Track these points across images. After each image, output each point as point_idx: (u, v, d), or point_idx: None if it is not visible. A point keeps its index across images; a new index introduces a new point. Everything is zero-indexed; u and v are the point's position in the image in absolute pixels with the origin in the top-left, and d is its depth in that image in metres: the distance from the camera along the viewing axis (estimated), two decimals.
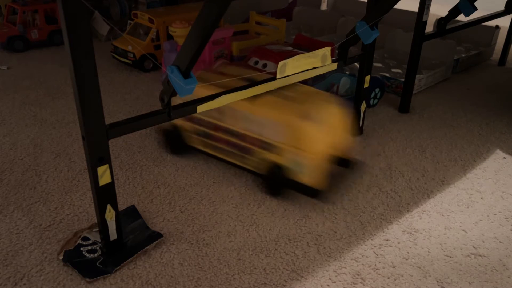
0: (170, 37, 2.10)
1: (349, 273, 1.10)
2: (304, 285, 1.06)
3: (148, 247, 1.12)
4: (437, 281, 1.08)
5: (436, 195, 1.40)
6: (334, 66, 1.46)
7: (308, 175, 1.25)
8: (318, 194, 1.29)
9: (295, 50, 1.97)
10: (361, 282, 1.07)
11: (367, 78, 1.63)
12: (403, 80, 1.97)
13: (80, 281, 1.03)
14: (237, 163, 1.41)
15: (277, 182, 1.33)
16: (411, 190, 1.42)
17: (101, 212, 1.02)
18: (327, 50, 1.33)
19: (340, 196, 1.37)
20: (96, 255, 1.09)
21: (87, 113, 0.91)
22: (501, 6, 2.32)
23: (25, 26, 2.51)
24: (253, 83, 1.27)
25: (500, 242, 1.22)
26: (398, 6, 1.57)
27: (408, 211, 1.32)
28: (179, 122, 1.45)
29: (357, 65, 2.21)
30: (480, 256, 1.17)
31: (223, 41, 2.08)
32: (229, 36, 2.09)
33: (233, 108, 1.31)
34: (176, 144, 1.53)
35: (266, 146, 1.30)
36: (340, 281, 1.07)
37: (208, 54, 2.03)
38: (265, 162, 1.32)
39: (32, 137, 1.64)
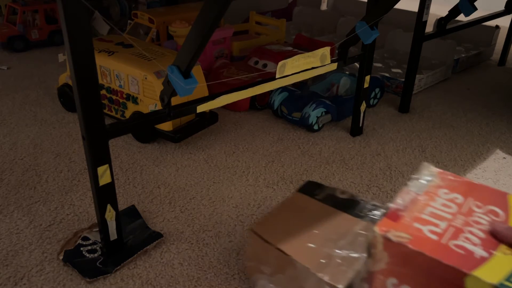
0: (170, 37, 2.10)
1: None
2: None
3: (148, 247, 1.12)
4: None
5: None
6: (334, 66, 1.46)
7: (166, 123, 1.42)
8: (176, 139, 1.55)
9: (295, 50, 1.97)
10: None
11: (367, 78, 1.63)
12: (403, 80, 1.97)
13: (80, 281, 1.03)
14: (111, 114, 1.69)
15: (142, 131, 1.59)
16: None
17: (101, 212, 1.02)
18: (326, 50, 1.33)
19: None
20: (96, 255, 1.09)
21: (87, 113, 0.91)
22: (501, 6, 2.32)
23: (25, 26, 2.51)
24: (254, 82, 1.27)
25: None
26: (398, 6, 1.58)
27: None
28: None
29: (357, 65, 2.21)
30: None
31: (223, 41, 2.08)
32: (229, 36, 2.09)
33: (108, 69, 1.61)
34: (71, 101, 1.77)
35: (129, 97, 1.59)
36: None
37: (208, 54, 2.03)
38: (129, 112, 1.63)
39: (32, 137, 1.64)
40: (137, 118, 1.07)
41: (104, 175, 0.98)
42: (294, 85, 1.85)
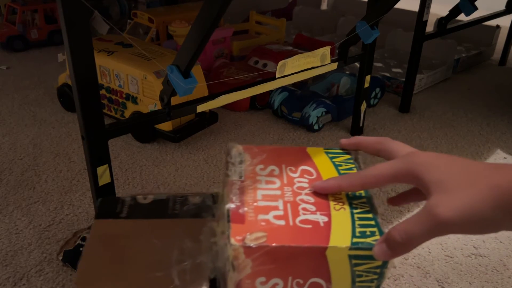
0: (170, 37, 2.10)
1: None
2: None
3: None
4: (437, 281, 1.08)
5: None
6: (334, 65, 1.46)
7: (165, 123, 1.40)
8: (176, 139, 1.56)
9: (295, 49, 1.97)
10: None
11: (368, 78, 1.63)
12: (404, 80, 1.96)
13: None
14: (110, 113, 1.70)
15: (142, 130, 1.59)
16: None
17: None
18: (326, 50, 1.33)
19: None
20: None
21: (87, 113, 0.90)
22: (501, 6, 2.32)
23: (25, 26, 2.51)
24: (254, 82, 1.27)
25: (501, 242, 1.21)
26: (398, 6, 1.57)
27: (408, 211, 1.32)
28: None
29: (357, 65, 2.21)
30: (481, 256, 1.16)
31: (223, 41, 2.08)
32: (229, 35, 2.09)
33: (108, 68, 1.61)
34: (70, 101, 1.77)
35: (129, 97, 1.60)
36: None
37: (208, 54, 2.03)
38: (128, 111, 1.63)
39: (32, 137, 1.64)
40: (136, 118, 1.07)
41: (103, 175, 0.98)
42: (294, 85, 1.84)
